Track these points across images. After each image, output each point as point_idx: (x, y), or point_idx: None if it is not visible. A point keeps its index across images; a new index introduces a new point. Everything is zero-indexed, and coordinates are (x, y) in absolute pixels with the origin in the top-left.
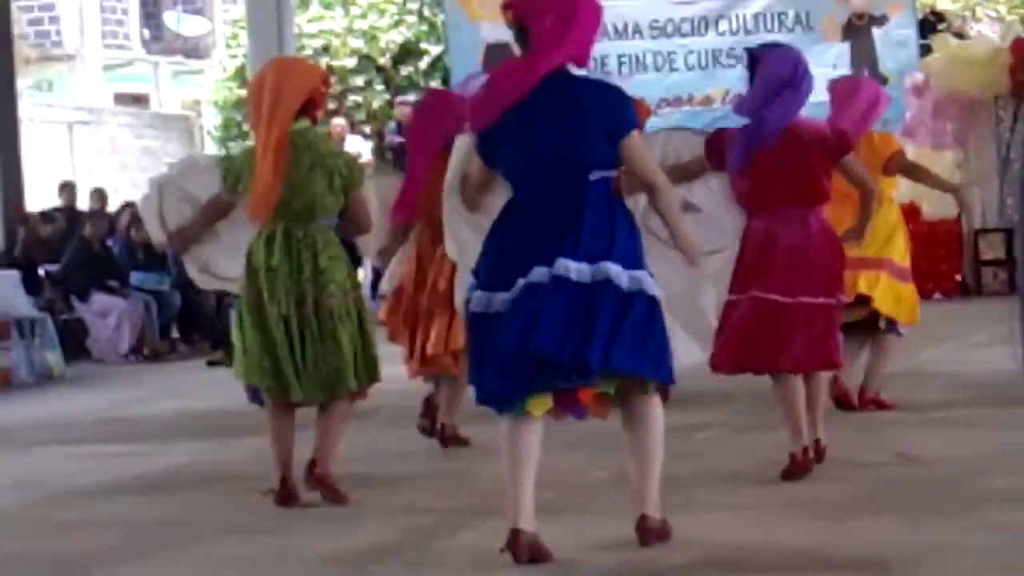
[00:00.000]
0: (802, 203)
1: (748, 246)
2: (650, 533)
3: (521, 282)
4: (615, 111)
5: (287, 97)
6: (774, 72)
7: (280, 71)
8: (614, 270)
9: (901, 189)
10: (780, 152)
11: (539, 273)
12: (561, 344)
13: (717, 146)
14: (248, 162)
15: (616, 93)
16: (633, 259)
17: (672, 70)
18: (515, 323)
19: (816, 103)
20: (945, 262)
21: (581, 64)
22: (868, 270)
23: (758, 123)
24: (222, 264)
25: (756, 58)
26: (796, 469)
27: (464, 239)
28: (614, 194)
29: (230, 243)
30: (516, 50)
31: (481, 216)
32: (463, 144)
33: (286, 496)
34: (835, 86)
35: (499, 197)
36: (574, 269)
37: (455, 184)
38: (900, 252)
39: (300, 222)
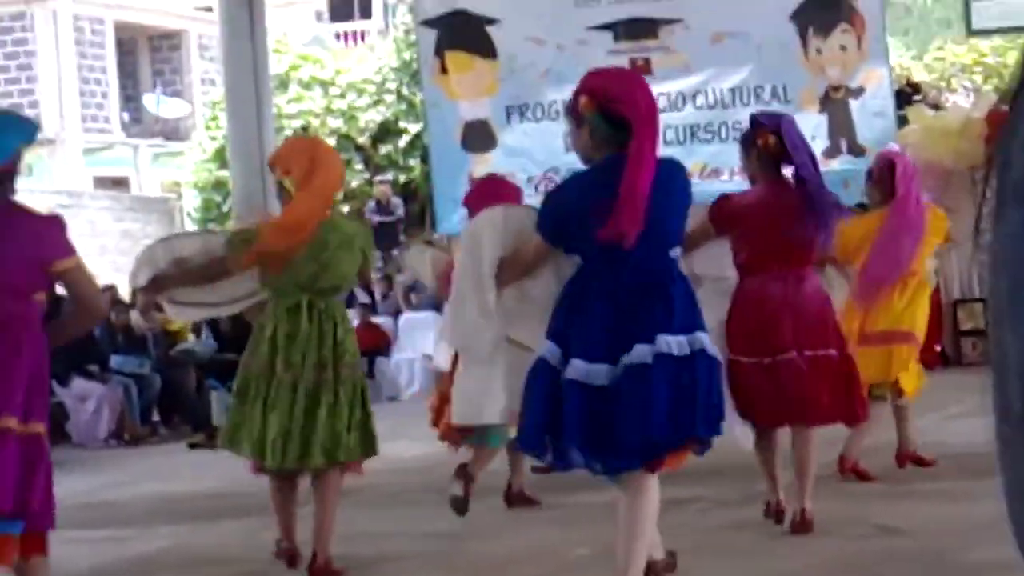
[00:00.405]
0: (800, 264)
1: (750, 307)
2: None
3: (625, 360)
4: (687, 187)
5: (334, 180)
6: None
7: (333, 155)
8: (705, 339)
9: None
10: (777, 215)
11: (641, 352)
12: (675, 431)
13: (726, 212)
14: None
15: (682, 168)
16: (703, 323)
17: None
18: (628, 411)
19: None
20: (925, 333)
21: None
22: (900, 344)
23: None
24: (188, 293)
25: (766, 126)
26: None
27: (472, 320)
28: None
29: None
30: (494, 128)
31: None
32: (491, 230)
33: (292, 557)
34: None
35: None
36: (674, 344)
37: (489, 270)
38: (922, 325)
39: (324, 295)
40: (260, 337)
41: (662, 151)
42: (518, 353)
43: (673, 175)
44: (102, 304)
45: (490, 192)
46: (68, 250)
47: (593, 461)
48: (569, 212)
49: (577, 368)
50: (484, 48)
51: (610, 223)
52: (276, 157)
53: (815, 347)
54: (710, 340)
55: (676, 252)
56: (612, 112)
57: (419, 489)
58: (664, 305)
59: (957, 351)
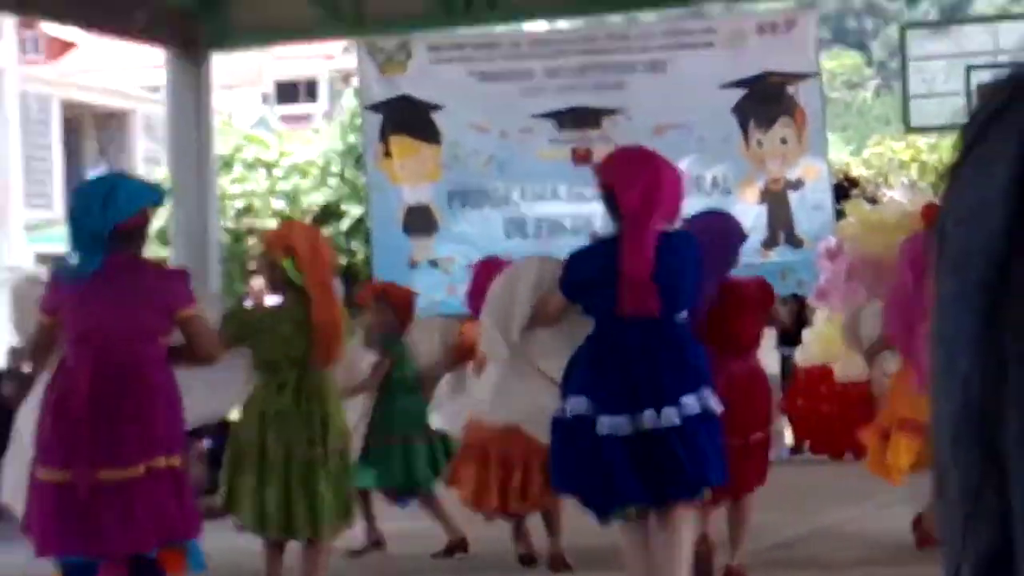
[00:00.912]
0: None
1: None
2: None
3: (652, 418)
4: (693, 258)
5: (332, 268)
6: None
7: (326, 242)
8: (708, 396)
9: (812, 351)
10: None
11: (669, 415)
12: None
13: None
14: (251, 320)
15: (690, 240)
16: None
17: (590, 232)
18: (669, 456)
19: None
20: (858, 424)
21: (672, 221)
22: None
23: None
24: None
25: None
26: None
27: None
28: None
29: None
30: (436, 213)
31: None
32: (527, 275)
33: None
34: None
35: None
36: (690, 405)
37: (520, 310)
38: None
39: (315, 370)
40: (251, 411)
41: None
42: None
43: (679, 247)
44: (215, 350)
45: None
46: (190, 300)
47: (641, 497)
48: (582, 278)
49: (606, 423)
50: (428, 134)
51: (619, 302)
52: (278, 238)
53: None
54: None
55: (682, 316)
56: (608, 196)
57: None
58: (679, 368)
59: None
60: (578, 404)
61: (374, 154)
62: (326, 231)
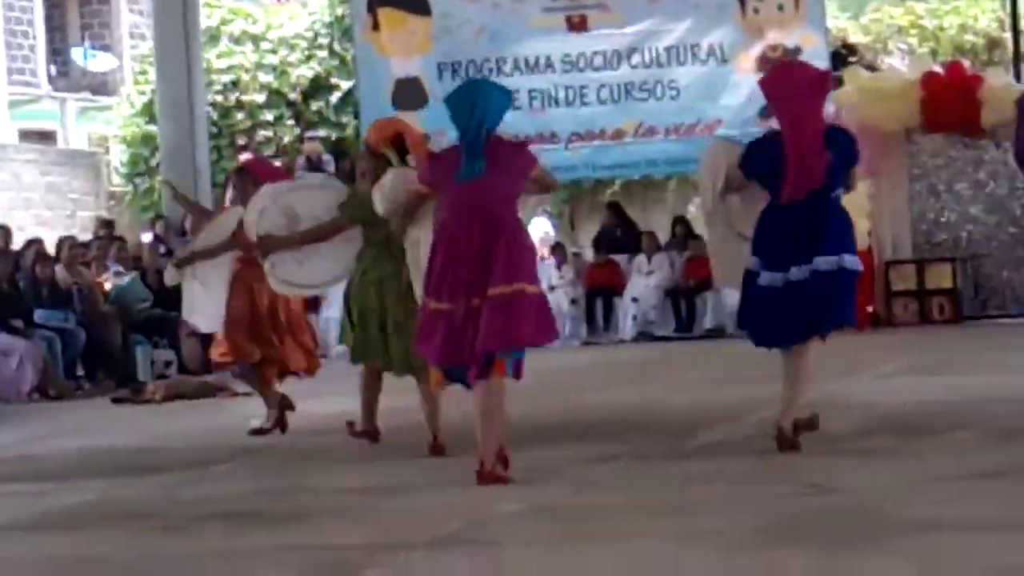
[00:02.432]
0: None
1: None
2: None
3: (796, 272)
4: (849, 147)
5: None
6: None
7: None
8: (847, 258)
9: None
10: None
11: (799, 272)
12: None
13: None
14: (366, 201)
15: (844, 133)
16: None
17: (584, 104)
18: (804, 304)
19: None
20: (857, 294)
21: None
22: None
23: None
24: (291, 271)
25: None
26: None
27: None
28: None
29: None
30: (425, 85)
31: None
32: (720, 155)
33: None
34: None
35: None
36: (824, 263)
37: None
38: None
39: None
40: (364, 280)
41: (596, 109)
42: None
43: (835, 139)
44: (557, 185)
45: None
46: (535, 160)
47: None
48: (756, 168)
49: (766, 278)
50: (417, 5)
51: (783, 186)
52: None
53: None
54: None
55: (838, 193)
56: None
57: (341, 446)
58: (822, 232)
59: (889, 312)
60: (753, 262)
61: (362, 26)
62: (315, 105)
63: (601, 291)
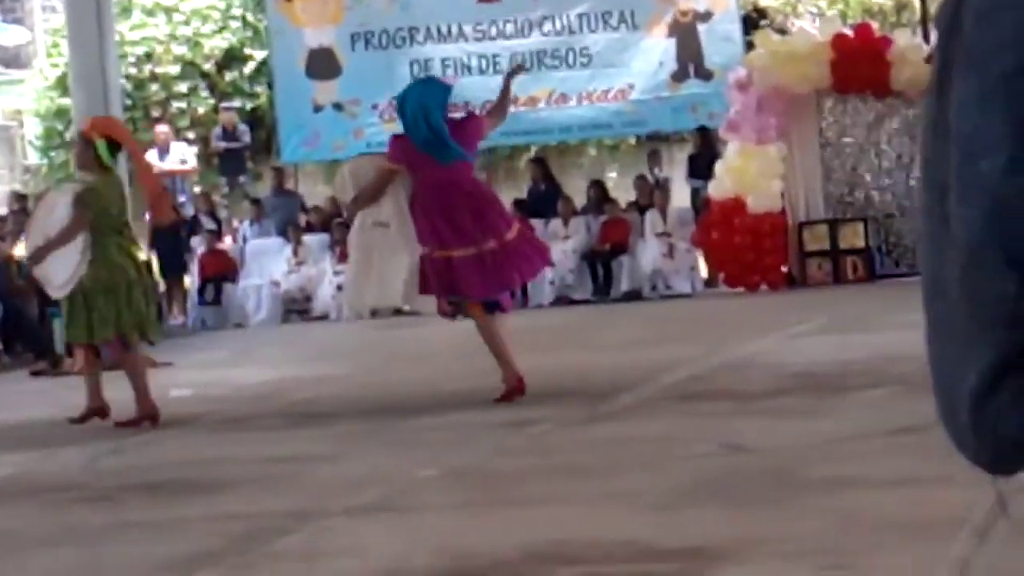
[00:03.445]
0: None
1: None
2: None
3: None
4: None
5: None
6: None
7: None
8: None
9: (725, 184)
10: None
11: None
12: None
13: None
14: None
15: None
16: None
17: (496, 72)
18: None
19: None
20: (771, 255)
21: None
22: None
23: None
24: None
25: None
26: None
27: None
28: None
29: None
30: (339, 55)
31: None
32: None
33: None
34: None
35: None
36: None
37: None
38: None
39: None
40: (115, 261)
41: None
42: None
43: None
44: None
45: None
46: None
47: None
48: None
49: None
50: None
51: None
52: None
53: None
54: None
55: None
56: None
57: (263, 415)
58: None
59: (803, 272)
60: None
61: None
62: (229, 76)
63: None
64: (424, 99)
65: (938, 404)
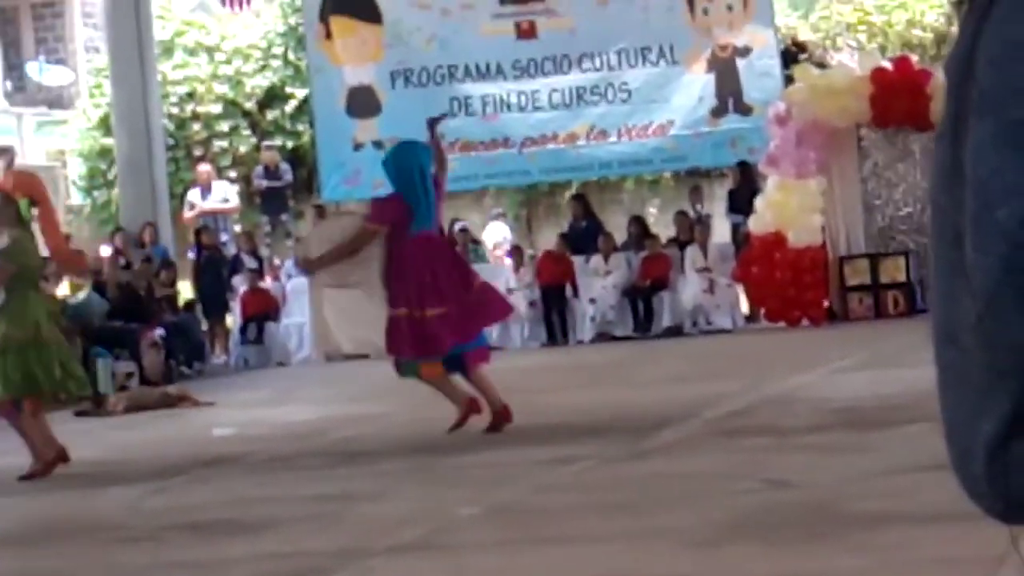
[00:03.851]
0: None
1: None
2: None
3: None
4: None
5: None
6: None
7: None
8: None
9: (765, 218)
10: None
11: None
12: None
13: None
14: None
15: None
16: None
17: (536, 109)
18: None
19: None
20: (812, 289)
21: None
22: None
23: None
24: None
25: None
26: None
27: None
28: None
29: None
30: (379, 93)
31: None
32: None
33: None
34: None
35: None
36: None
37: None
38: None
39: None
40: (32, 314)
41: (548, 113)
42: None
43: None
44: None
45: None
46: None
47: None
48: None
49: None
50: (369, 13)
51: None
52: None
53: None
54: None
55: None
56: None
57: (305, 453)
58: None
59: (844, 307)
60: None
61: (314, 35)
62: (270, 115)
63: (553, 289)
64: (422, 160)
65: (950, 453)
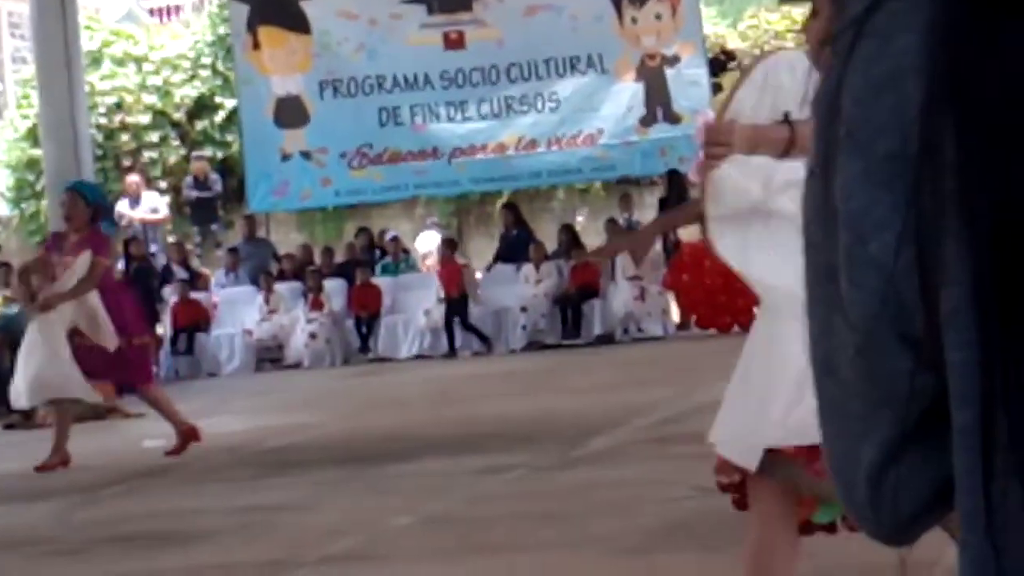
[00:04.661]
0: None
1: None
2: None
3: None
4: None
5: None
6: None
7: None
8: None
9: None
10: None
11: None
12: None
13: None
14: None
15: None
16: None
17: (465, 119)
18: None
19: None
20: (742, 296)
21: None
22: None
23: None
24: None
25: None
26: None
27: None
28: None
29: None
30: (307, 103)
31: None
32: None
33: None
34: None
35: None
36: None
37: None
38: None
39: None
40: None
41: (477, 124)
42: None
43: None
44: None
45: None
46: None
47: None
48: None
49: None
50: (297, 23)
51: None
52: None
53: None
54: None
55: None
56: None
57: (237, 464)
58: None
59: None
60: None
61: (242, 45)
62: (200, 125)
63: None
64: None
65: (836, 483)
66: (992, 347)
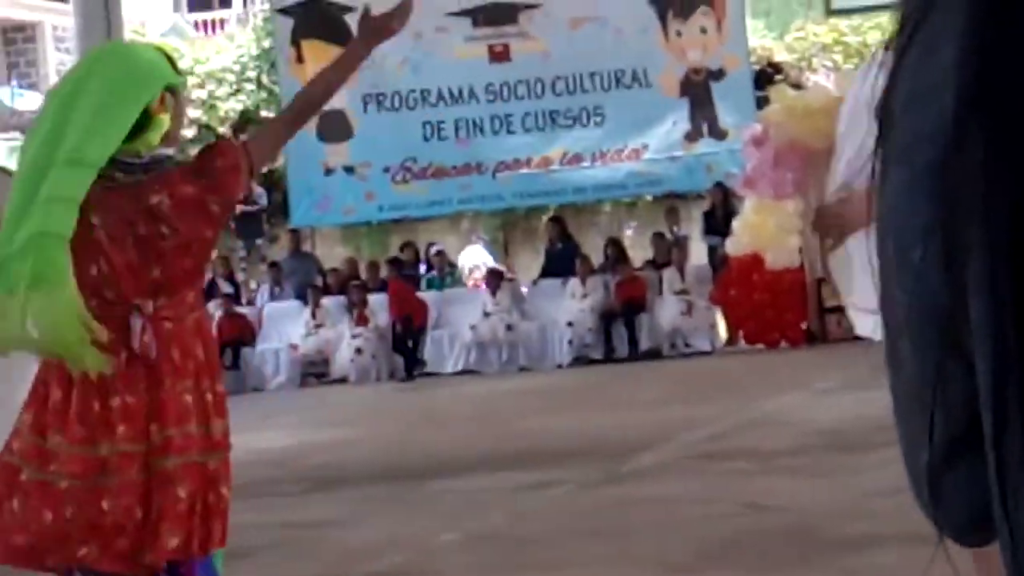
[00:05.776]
0: None
1: None
2: None
3: None
4: None
5: None
6: None
7: None
8: None
9: (742, 240)
10: None
11: None
12: None
13: None
14: None
15: None
16: None
17: (509, 133)
18: None
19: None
20: (790, 311)
21: None
22: None
23: None
24: None
25: None
26: None
27: None
28: None
29: None
30: (350, 118)
31: None
32: None
33: None
34: None
35: None
36: None
37: None
38: None
39: None
40: None
41: (521, 138)
42: None
43: None
44: None
45: None
46: None
47: None
48: None
49: None
50: (341, 37)
51: None
52: None
53: None
54: None
55: None
56: None
57: (282, 480)
58: None
59: (822, 328)
60: None
61: (286, 59)
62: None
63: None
64: None
65: (908, 479)
66: (1007, 357)
